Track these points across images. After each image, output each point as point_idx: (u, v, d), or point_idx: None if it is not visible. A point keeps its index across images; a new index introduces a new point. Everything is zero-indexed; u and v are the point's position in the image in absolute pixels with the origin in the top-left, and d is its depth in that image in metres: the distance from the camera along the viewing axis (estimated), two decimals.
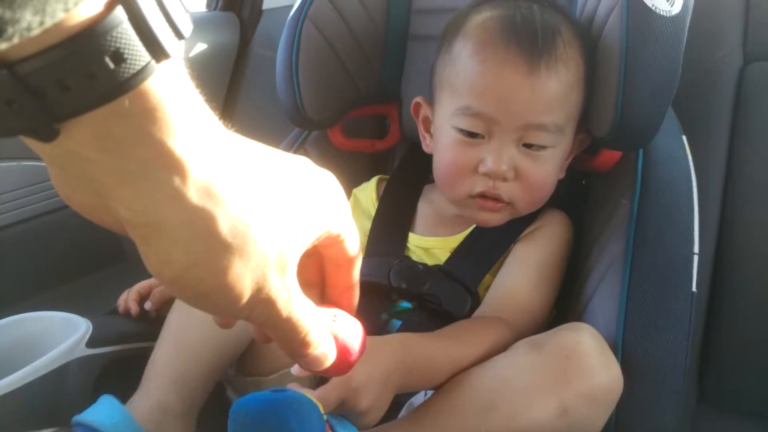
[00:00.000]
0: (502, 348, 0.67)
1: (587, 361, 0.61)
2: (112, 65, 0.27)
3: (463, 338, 0.68)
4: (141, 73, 0.27)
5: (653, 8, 0.71)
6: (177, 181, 0.29)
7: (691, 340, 0.67)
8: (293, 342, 0.38)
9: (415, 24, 1.01)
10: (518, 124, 0.73)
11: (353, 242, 0.42)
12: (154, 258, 0.31)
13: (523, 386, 0.61)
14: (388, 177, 0.96)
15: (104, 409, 0.63)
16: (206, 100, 0.33)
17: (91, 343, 0.72)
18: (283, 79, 0.93)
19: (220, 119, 0.34)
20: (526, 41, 0.72)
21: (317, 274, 0.45)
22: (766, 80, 0.95)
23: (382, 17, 0.99)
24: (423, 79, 0.89)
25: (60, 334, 0.71)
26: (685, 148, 0.82)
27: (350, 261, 0.43)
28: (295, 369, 0.46)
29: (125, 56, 0.27)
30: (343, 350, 0.43)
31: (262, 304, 0.34)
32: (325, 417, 0.52)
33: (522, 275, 0.78)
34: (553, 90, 0.73)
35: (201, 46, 1.20)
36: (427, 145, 0.86)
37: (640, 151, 0.80)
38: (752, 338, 0.89)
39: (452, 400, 0.63)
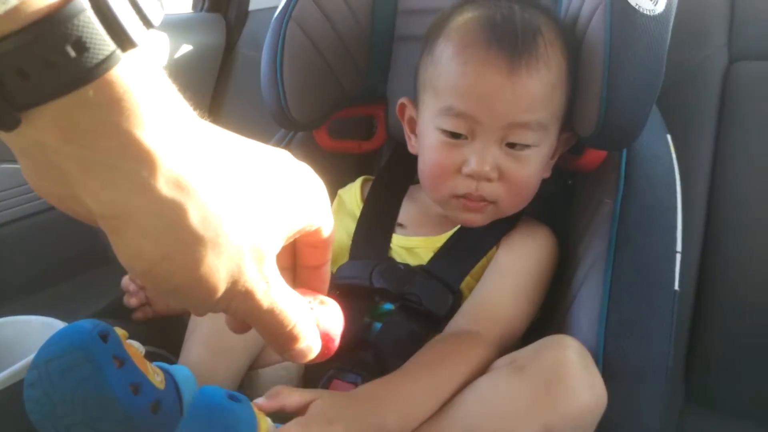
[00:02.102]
0: (483, 369, 0.66)
1: (571, 383, 0.60)
2: (73, 54, 0.26)
3: (442, 368, 0.66)
4: (105, 63, 0.27)
5: (637, 7, 0.71)
6: (146, 172, 0.29)
7: (673, 339, 0.67)
8: (280, 336, 0.38)
9: (400, 25, 1.01)
10: (501, 124, 0.73)
11: (330, 229, 0.42)
12: (125, 250, 0.31)
13: (505, 410, 0.60)
14: (373, 178, 0.95)
15: (179, 367, 0.63)
16: (192, 103, 0.34)
17: None
18: (268, 81, 0.92)
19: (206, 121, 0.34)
20: (507, 42, 0.72)
21: (290, 258, 0.44)
22: (751, 79, 0.95)
23: (368, 18, 0.99)
24: (409, 80, 0.88)
25: (39, 339, 0.70)
26: (669, 147, 0.82)
27: (325, 242, 0.42)
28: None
29: (88, 45, 0.26)
30: (324, 338, 0.43)
31: (240, 297, 0.34)
32: None
33: (501, 287, 0.77)
34: (535, 90, 0.73)
35: (186, 48, 1.19)
36: (412, 146, 0.86)
37: (624, 150, 0.80)
38: (738, 337, 0.89)
39: (432, 424, 0.62)
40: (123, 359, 0.50)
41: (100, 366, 0.47)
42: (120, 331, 0.53)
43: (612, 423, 0.66)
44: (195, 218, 0.30)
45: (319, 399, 0.58)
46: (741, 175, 0.91)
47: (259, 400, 0.56)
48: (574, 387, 0.59)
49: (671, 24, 0.73)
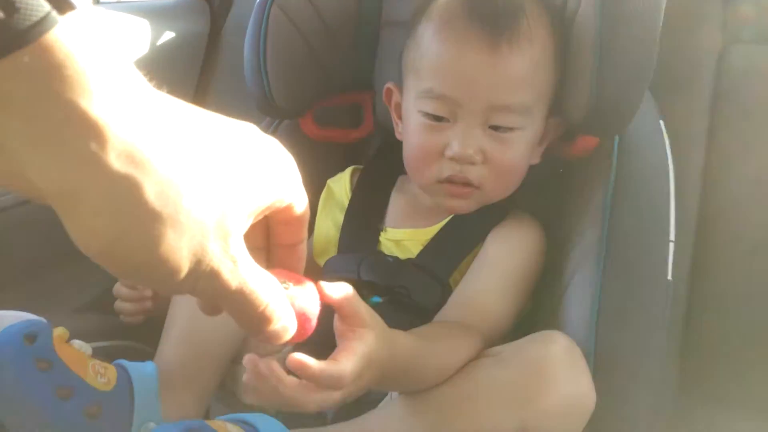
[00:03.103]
0: (472, 358, 0.64)
1: (552, 378, 0.58)
2: (1, 15, 0.24)
3: (448, 340, 0.65)
4: (40, 25, 0.25)
5: None
6: (94, 145, 0.27)
7: (666, 329, 0.65)
8: (251, 317, 0.36)
9: (388, 10, 0.98)
10: (483, 106, 0.71)
11: (303, 206, 0.40)
12: (77, 230, 0.29)
13: (480, 401, 0.58)
14: (362, 168, 0.93)
15: (142, 365, 0.60)
16: (175, 93, 0.32)
17: None
18: (251, 67, 0.90)
19: None
20: (487, 19, 0.70)
21: (263, 237, 0.43)
22: (746, 62, 0.93)
23: (354, 2, 0.96)
24: (397, 66, 0.86)
25: None
26: (662, 133, 0.80)
27: (299, 220, 0.41)
28: (246, 360, 0.44)
29: (17, 5, 0.24)
30: (300, 319, 0.41)
31: (205, 277, 0.32)
32: None
33: (489, 281, 0.75)
34: (517, 68, 0.70)
35: (169, 35, 1.16)
36: (399, 132, 0.84)
37: (616, 137, 0.78)
38: (733, 328, 0.88)
39: (403, 410, 0.61)
40: (51, 362, 0.47)
41: (18, 371, 0.45)
42: (59, 331, 0.51)
43: (605, 415, 0.64)
44: (151, 194, 0.29)
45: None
46: (736, 160, 0.89)
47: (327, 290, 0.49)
48: (555, 382, 0.58)
49: (664, 2, 0.70)
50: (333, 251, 0.83)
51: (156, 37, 1.15)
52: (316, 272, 0.84)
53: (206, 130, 0.32)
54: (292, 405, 0.50)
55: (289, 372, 0.48)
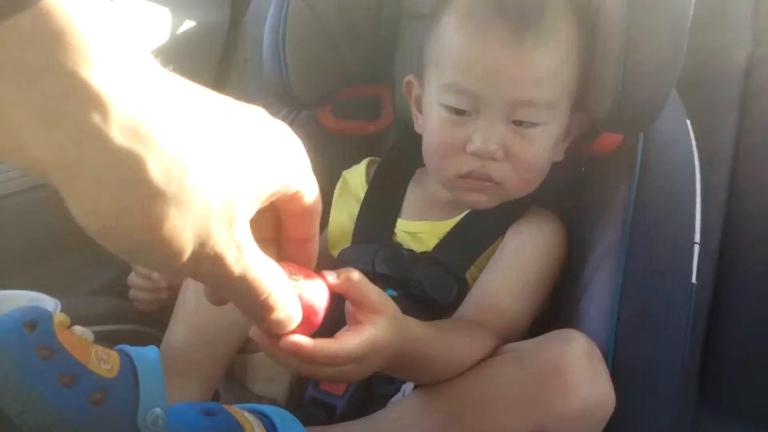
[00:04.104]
0: (489, 355, 0.63)
1: (571, 379, 0.56)
2: None
3: (463, 336, 0.63)
4: None
5: None
6: (97, 118, 0.26)
7: (689, 335, 0.63)
8: (253, 304, 0.35)
9: (409, 1, 0.97)
10: (506, 101, 0.69)
11: (313, 194, 0.39)
12: (78, 206, 0.28)
13: (493, 400, 0.56)
14: (379, 160, 0.92)
15: (146, 350, 0.59)
16: (194, 81, 0.31)
17: None
18: (270, 55, 0.89)
19: None
20: (512, 12, 0.68)
21: (274, 229, 0.42)
22: None
23: None
24: (417, 58, 0.85)
25: None
26: (689, 133, 0.78)
27: (310, 212, 0.40)
28: (252, 333, 0.43)
29: None
30: (307, 311, 0.41)
31: (208, 261, 0.31)
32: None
33: (507, 279, 0.73)
34: (542, 63, 0.69)
35: (189, 24, 1.15)
36: (419, 125, 0.82)
37: (640, 135, 0.76)
38: (758, 337, 0.85)
39: (414, 405, 0.59)
40: (52, 349, 0.47)
41: (18, 360, 0.44)
42: (59, 318, 0.50)
43: (622, 423, 0.62)
44: (155, 171, 0.28)
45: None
46: (764, 163, 0.87)
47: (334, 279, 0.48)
48: (574, 384, 0.56)
49: None
50: (347, 243, 0.81)
51: (176, 26, 1.14)
52: (330, 264, 0.83)
53: (214, 110, 0.32)
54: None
55: None
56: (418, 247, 0.78)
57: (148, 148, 0.27)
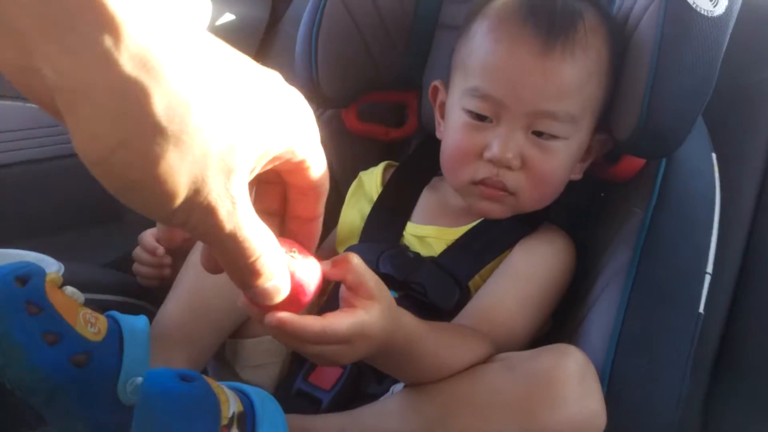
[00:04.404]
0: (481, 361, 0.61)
1: (561, 391, 0.54)
2: None
3: (457, 338, 0.62)
4: None
5: (694, 6, 0.66)
6: (108, 41, 0.26)
7: (689, 364, 0.61)
8: (240, 266, 0.34)
9: (446, 13, 0.97)
10: (528, 110, 0.69)
11: (320, 170, 0.38)
12: (80, 132, 0.28)
13: (480, 406, 0.55)
14: (397, 164, 0.91)
15: (135, 318, 0.59)
16: None
17: None
18: (302, 51, 0.90)
19: None
20: (544, 21, 0.68)
21: (278, 202, 0.41)
22: None
23: (413, 3, 0.95)
24: (447, 68, 0.85)
25: None
26: (713, 166, 0.76)
27: (316, 189, 0.39)
28: (241, 302, 0.42)
29: None
30: (297, 288, 0.40)
31: (200, 210, 0.31)
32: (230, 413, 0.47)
33: (509, 292, 0.72)
34: (568, 75, 0.68)
35: (228, 17, 1.17)
36: (440, 131, 0.82)
37: (662, 162, 0.74)
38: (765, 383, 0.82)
39: (399, 404, 0.58)
40: (41, 307, 0.46)
41: (5, 312, 0.44)
42: (51, 276, 0.50)
43: None
44: (159, 105, 0.27)
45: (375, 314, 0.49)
46: None
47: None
48: (563, 398, 0.54)
49: (730, 29, 0.68)
50: (355, 241, 0.81)
51: (216, 17, 1.16)
52: None
53: (227, 61, 0.31)
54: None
55: None
56: (425, 252, 0.77)
57: (155, 81, 0.27)
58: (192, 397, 0.43)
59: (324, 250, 0.90)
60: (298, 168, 0.37)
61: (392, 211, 0.82)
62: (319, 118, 1.00)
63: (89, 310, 0.53)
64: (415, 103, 0.99)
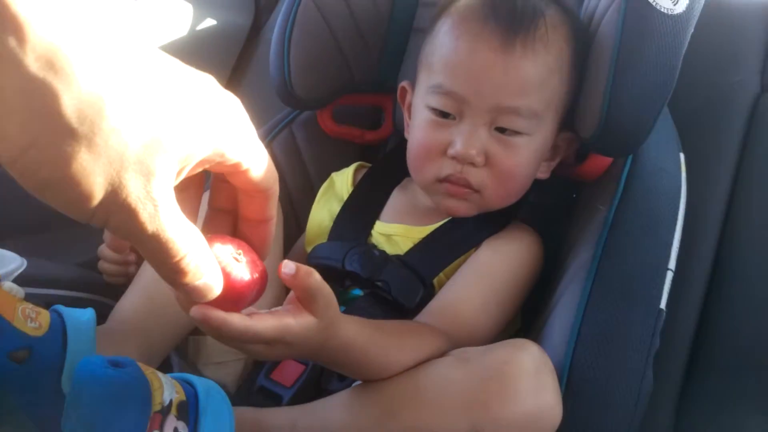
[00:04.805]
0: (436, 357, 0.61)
1: (513, 385, 0.54)
2: None
3: (404, 338, 0.61)
4: None
5: (654, 4, 0.67)
6: (12, 42, 0.26)
7: (650, 361, 0.61)
8: (165, 266, 0.34)
9: (421, 16, 0.98)
10: (489, 106, 0.69)
11: (262, 173, 0.38)
12: None
13: (431, 398, 0.55)
14: (369, 165, 0.92)
15: (80, 312, 0.58)
16: None
17: (19, 282, 0.68)
18: (275, 53, 0.91)
19: None
20: (504, 18, 0.69)
21: (229, 201, 0.42)
22: None
23: (387, 5, 0.96)
24: (414, 66, 0.85)
25: None
26: (680, 165, 0.76)
27: (261, 192, 0.40)
28: (175, 294, 0.43)
29: None
30: (233, 289, 0.40)
31: (121, 212, 0.31)
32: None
33: (472, 289, 0.71)
34: (528, 71, 0.69)
35: (210, 22, 1.18)
36: (407, 131, 0.82)
37: (628, 161, 0.74)
38: (738, 381, 0.81)
39: (353, 399, 0.58)
40: None
41: None
42: None
43: None
44: (68, 107, 0.27)
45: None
46: (759, 207, 0.84)
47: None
48: (516, 390, 0.53)
49: (691, 27, 0.68)
50: (324, 240, 0.81)
51: (197, 22, 1.17)
52: (302, 261, 0.82)
53: (148, 62, 0.31)
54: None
55: None
56: (392, 250, 0.77)
57: (63, 82, 0.27)
58: (120, 382, 0.43)
59: (296, 248, 0.90)
60: (235, 171, 0.37)
61: (361, 210, 0.83)
62: (294, 120, 1.00)
63: (30, 305, 0.52)
64: (391, 106, 0.99)
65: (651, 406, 0.63)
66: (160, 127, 0.31)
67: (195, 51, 1.15)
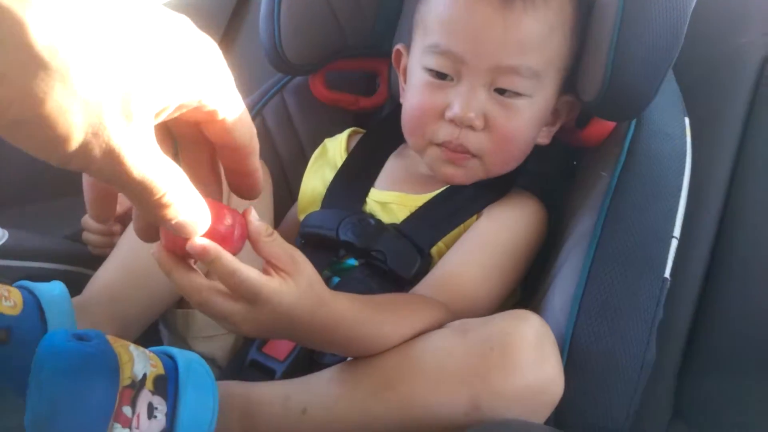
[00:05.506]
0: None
1: (513, 357, 0.52)
2: None
3: (400, 311, 0.59)
4: None
5: None
6: None
7: (655, 331, 0.59)
8: (147, 204, 0.34)
9: None
10: (488, 66, 0.66)
11: (236, 121, 0.37)
12: None
13: (430, 370, 0.53)
14: (363, 131, 0.89)
15: (50, 285, 0.56)
16: None
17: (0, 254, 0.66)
18: (265, 16, 0.87)
19: None
20: None
21: (208, 153, 0.42)
22: None
23: None
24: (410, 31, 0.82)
25: None
26: (684, 129, 0.74)
27: (237, 140, 0.39)
28: (154, 252, 0.42)
29: None
30: (216, 232, 0.41)
31: (102, 155, 0.30)
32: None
33: (473, 258, 0.69)
34: (529, 28, 0.65)
35: None
36: (403, 96, 0.79)
37: (632, 125, 0.72)
38: (744, 351, 0.80)
39: (348, 371, 0.55)
40: None
41: None
42: None
43: (574, 415, 0.58)
44: (39, 39, 0.26)
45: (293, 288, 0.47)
46: (766, 171, 0.82)
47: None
48: (516, 362, 0.51)
49: None
50: (317, 208, 0.78)
51: None
52: (296, 229, 0.80)
53: (124, 3, 0.30)
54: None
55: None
56: (387, 218, 0.75)
57: (32, 12, 0.26)
58: (83, 355, 0.41)
59: (289, 217, 0.87)
60: (211, 119, 0.37)
61: (356, 177, 0.80)
62: (285, 86, 0.97)
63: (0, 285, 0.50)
64: (386, 71, 0.96)
65: (651, 375, 0.62)
66: (140, 67, 0.30)
67: (186, 11, 1.11)
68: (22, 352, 0.49)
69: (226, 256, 0.42)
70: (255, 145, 0.40)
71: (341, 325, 0.52)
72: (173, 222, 0.35)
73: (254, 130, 0.40)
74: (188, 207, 0.36)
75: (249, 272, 0.44)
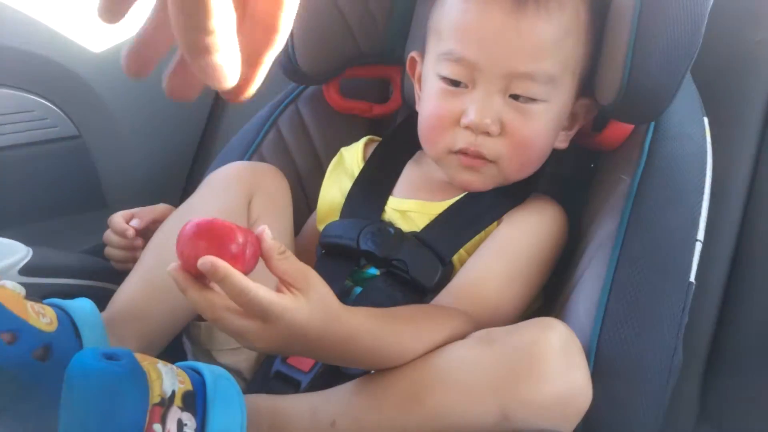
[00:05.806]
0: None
1: (542, 366, 0.52)
2: None
3: (419, 322, 0.59)
4: None
5: None
6: None
7: (681, 336, 0.58)
8: (195, 21, 0.28)
9: None
10: (503, 71, 0.66)
11: None
12: None
13: (458, 381, 0.53)
14: (379, 139, 0.89)
15: (80, 302, 0.57)
16: None
17: (25, 271, 0.67)
18: None
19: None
20: None
21: None
22: None
23: None
24: (423, 39, 0.82)
25: None
26: (704, 130, 0.73)
27: None
28: (171, 269, 0.44)
29: None
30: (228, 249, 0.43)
31: None
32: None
33: (495, 265, 0.69)
34: (543, 32, 0.65)
35: None
36: (418, 103, 0.79)
37: (651, 126, 0.71)
38: (765, 353, 0.79)
39: (375, 383, 0.55)
40: None
41: None
42: None
43: (602, 423, 0.58)
44: None
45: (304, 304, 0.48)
46: None
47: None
48: (545, 372, 0.51)
49: None
50: (336, 218, 0.78)
51: None
52: (315, 240, 0.80)
53: None
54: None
55: None
56: (407, 227, 0.74)
57: None
58: (113, 375, 0.41)
59: (307, 227, 0.87)
60: None
61: (374, 185, 0.80)
62: (299, 95, 0.97)
63: (34, 302, 0.51)
64: (399, 77, 0.95)
65: (678, 380, 0.61)
66: None
67: None
68: (61, 369, 0.49)
69: (236, 275, 0.43)
70: None
71: (356, 339, 0.52)
72: (209, 60, 0.30)
73: None
74: (226, 49, 0.30)
75: (258, 290, 0.44)
